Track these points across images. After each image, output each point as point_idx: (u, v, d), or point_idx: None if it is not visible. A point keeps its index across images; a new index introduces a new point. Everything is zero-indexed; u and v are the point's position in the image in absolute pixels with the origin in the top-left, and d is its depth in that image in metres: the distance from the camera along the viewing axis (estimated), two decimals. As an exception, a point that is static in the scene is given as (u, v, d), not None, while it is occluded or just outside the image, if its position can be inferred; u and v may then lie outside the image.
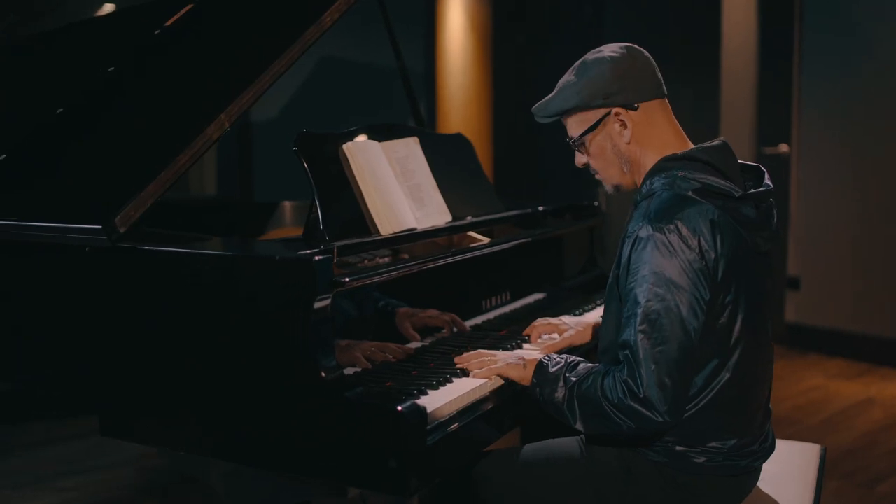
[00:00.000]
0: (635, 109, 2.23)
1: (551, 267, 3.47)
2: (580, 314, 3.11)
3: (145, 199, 2.38)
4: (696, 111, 6.54)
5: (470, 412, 2.22)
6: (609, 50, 2.26)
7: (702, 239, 2.05)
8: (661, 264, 2.04)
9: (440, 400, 2.17)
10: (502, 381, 2.35)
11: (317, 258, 2.08)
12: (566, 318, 2.78)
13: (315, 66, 5.76)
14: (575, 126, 2.31)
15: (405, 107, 3.85)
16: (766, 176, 2.27)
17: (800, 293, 6.50)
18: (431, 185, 2.89)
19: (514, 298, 3.15)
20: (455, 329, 2.73)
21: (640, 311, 2.05)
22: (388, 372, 2.37)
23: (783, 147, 6.50)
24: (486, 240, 2.94)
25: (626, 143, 2.25)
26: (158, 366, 2.32)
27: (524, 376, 2.29)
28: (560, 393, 2.17)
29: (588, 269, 3.67)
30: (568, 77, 2.30)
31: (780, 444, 2.60)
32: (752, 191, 2.18)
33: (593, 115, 2.27)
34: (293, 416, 2.11)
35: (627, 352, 2.06)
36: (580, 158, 2.36)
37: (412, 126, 3.24)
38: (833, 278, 6.33)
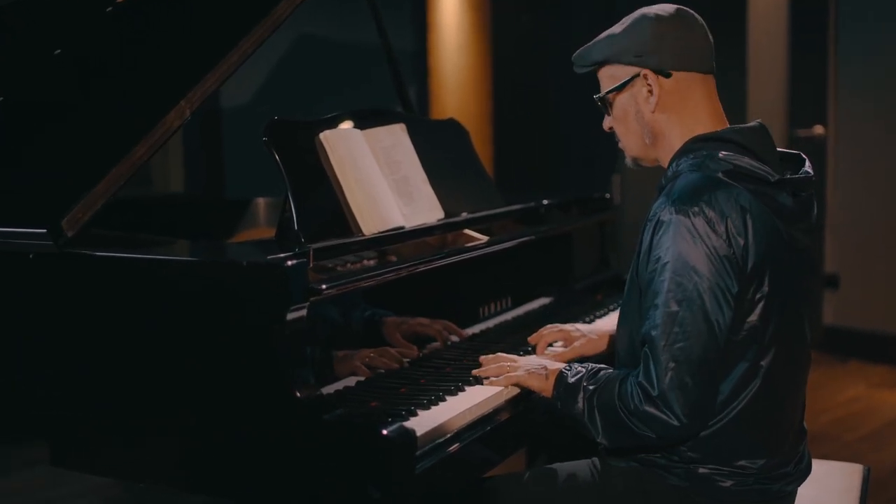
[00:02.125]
0: (667, 76, 2.23)
1: (558, 268, 3.45)
2: (591, 321, 3.09)
3: (96, 199, 2.36)
4: (720, 90, 6.52)
5: (471, 431, 2.21)
6: (659, 7, 2.27)
7: (730, 224, 2.05)
8: (684, 250, 2.04)
9: (434, 419, 2.15)
10: (517, 391, 2.36)
11: (290, 263, 2.06)
12: (579, 326, 2.77)
13: (291, 46, 5.74)
14: (605, 81, 2.33)
15: (392, 90, 3.83)
16: (808, 164, 2.26)
17: (839, 292, 6.48)
18: (421, 178, 2.87)
19: (517, 304, 3.13)
20: (449, 340, 2.71)
21: (659, 302, 2.05)
22: (374, 390, 2.35)
23: (818, 129, 6.48)
24: (484, 238, 2.93)
25: (651, 111, 2.25)
26: (115, 386, 2.30)
27: (545, 387, 2.29)
28: (580, 404, 2.17)
29: (600, 270, 3.66)
30: (611, 28, 2.31)
31: (817, 465, 2.57)
32: (789, 176, 2.16)
33: (623, 73, 2.27)
34: (266, 441, 2.09)
35: (646, 348, 2.07)
36: (606, 121, 2.38)
37: (399, 112, 3.22)
38: (876, 275, 6.31)
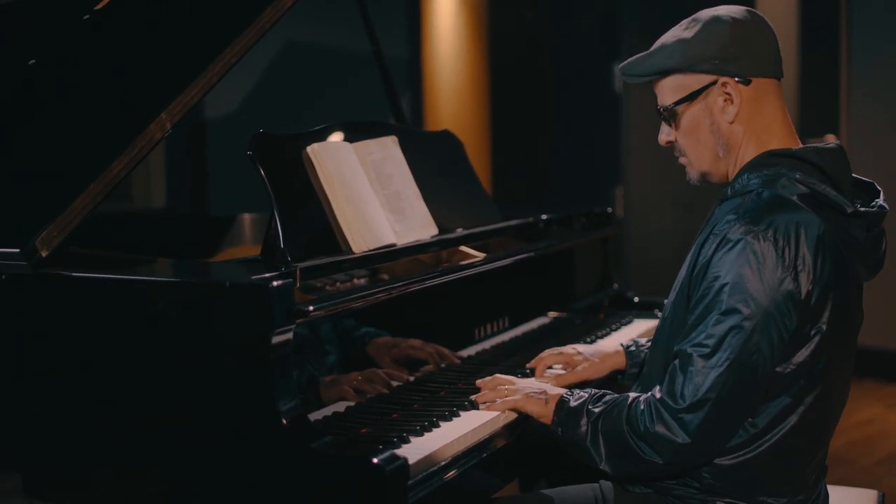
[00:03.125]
0: (747, 84, 2.17)
1: (558, 286, 3.45)
2: (592, 341, 3.09)
3: (72, 216, 2.35)
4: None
5: (466, 458, 2.20)
6: (728, 10, 2.21)
7: (801, 255, 2.02)
8: (747, 276, 2.01)
9: (427, 447, 2.14)
10: (514, 416, 2.35)
11: (275, 284, 2.06)
12: (580, 347, 2.75)
13: (277, 54, 5.74)
14: (669, 92, 2.25)
15: (384, 100, 3.83)
16: (882, 196, 2.22)
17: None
18: (414, 193, 2.86)
19: (514, 324, 3.13)
20: (442, 363, 2.71)
21: (708, 321, 2.03)
22: (364, 416, 2.34)
23: (830, 138, 6.47)
24: (481, 255, 2.92)
25: (729, 122, 2.19)
26: (92, 414, 2.29)
27: (544, 413, 2.27)
28: (583, 429, 2.16)
29: (602, 288, 3.66)
30: (675, 32, 2.24)
31: (832, 490, 2.56)
32: (864, 209, 2.13)
33: (695, 81, 2.20)
34: (252, 471, 2.08)
35: (676, 362, 2.05)
36: (666, 134, 2.30)
37: (391, 123, 3.22)
38: (892, 291, 6.30)
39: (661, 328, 2.29)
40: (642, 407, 2.07)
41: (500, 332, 3.06)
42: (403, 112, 3.85)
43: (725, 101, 2.18)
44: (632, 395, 2.15)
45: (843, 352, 2.14)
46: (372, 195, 2.70)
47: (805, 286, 2.02)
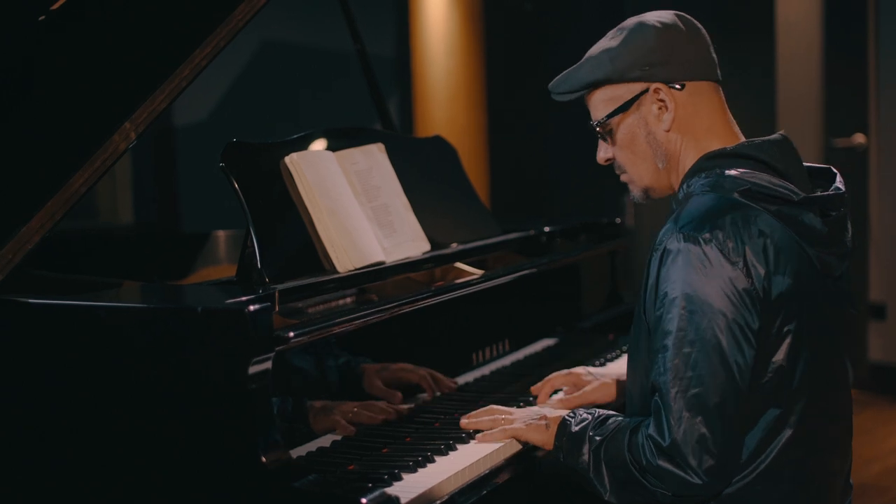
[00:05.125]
0: (680, 89, 2.23)
1: (563, 305, 3.45)
2: (602, 364, 3.09)
3: (29, 236, 2.35)
4: (746, 97, 6.53)
5: (464, 496, 2.19)
6: (655, 16, 2.27)
7: (748, 251, 2.05)
8: (696, 284, 2.04)
9: (421, 484, 2.14)
10: (517, 447, 2.35)
11: (251, 308, 2.05)
12: (591, 369, 2.77)
13: (252, 56, 5.75)
14: (601, 105, 2.31)
15: (369, 104, 3.83)
16: (839, 179, 2.26)
17: (886, 324, 6.47)
18: (403, 206, 2.87)
19: (516, 347, 3.13)
20: (437, 390, 2.70)
21: (669, 343, 2.05)
22: (352, 450, 2.34)
23: (858, 138, 6.48)
24: (478, 273, 2.92)
25: (665, 130, 2.25)
26: (54, 454, 2.28)
27: (546, 439, 2.29)
28: (585, 457, 2.17)
29: (611, 306, 3.66)
30: (601, 43, 2.30)
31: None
32: (815, 194, 2.17)
33: (626, 91, 2.27)
34: (228, 514, 2.08)
35: (657, 397, 2.07)
36: (604, 151, 2.36)
37: (377, 129, 3.22)
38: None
39: (629, 353, 2.33)
40: (641, 440, 2.08)
41: (500, 356, 3.05)
42: (391, 117, 3.85)
43: (660, 108, 2.24)
44: (633, 420, 2.16)
45: (828, 352, 2.17)
46: (357, 209, 2.70)
47: (760, 282, 2.05)
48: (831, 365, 2.18)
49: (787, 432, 2.10)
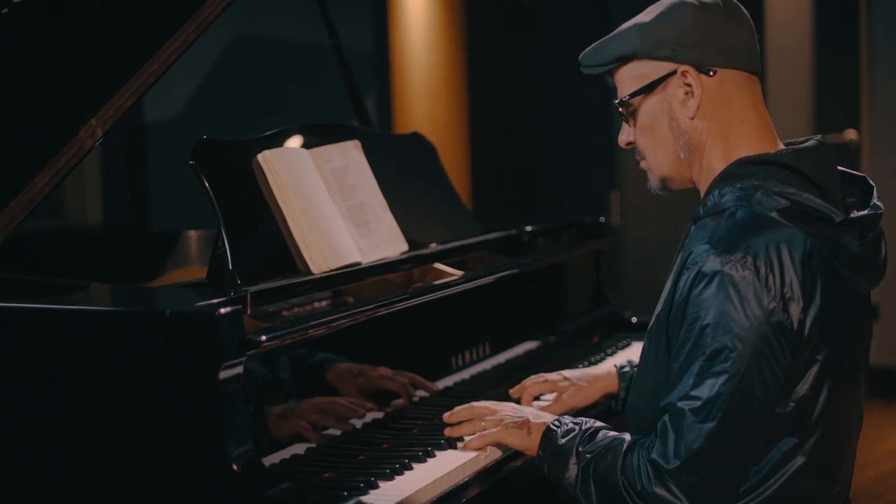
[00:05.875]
0: (711, 75, 2.15)
1: (545, 306, 3.46)
2: (587, 367, 3.09)
3: (-10, 237, 2.34)
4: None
5: (448, 502, 2.20)
6: None
7: (787, 279, 2.00)
8: (729, 313, 1.99)
9: (398, 492, 2.14)
10: (499, 454, 2.35)
11: (222, 311, 2.04)
12: (565, 373, 2.75)
13: (223, 50, 5.75)
14: (628, 82, 2.24)
15: (345, 99, 3.83)
16: (875, 194, 2.19)
17: (879, 326, 6.49)
18: (380, 205, 2.87)
19: (497, 351, 3.14)
20: (415, 395, 2.70)
21: (693, 370, 2.01)
22: (327, 457, 2.33)
23: (850, 134, 6.51)
24: (458, 273, 2.93)
25: (690, 117, 2.17)
26: (17, 463, 2.27)
27: (528, 445, 2.27)
28: (571, 472, 2.15)
29: (595, 307, 3.67)
30: (637, 18, 2.23)
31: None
32: (856, 215, 2.10)
33: (654, 71, 2.19)
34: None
35: (666, 418, 2.03)
36: (626, 133, 2.29)
37: (353, 126, 3.22)
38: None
39: (640, 362, 2.29)
40: (637, 462, 2.05)
41: (480, 359, 3.06)
42: (368, 113, 3.85)
43: (686, 93, 2.17)
44: (627, 437, 2.14)
45: (848, 374, 2.13)
46: (332, 207, 2.70)
47: (796, 315, 2.00)
48: (851, 390, 2.15)
49: (800, 460, 2.07)
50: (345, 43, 3.79)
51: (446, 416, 2.43)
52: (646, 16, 2.20)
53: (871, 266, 2.13)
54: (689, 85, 2.16)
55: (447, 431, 2.41)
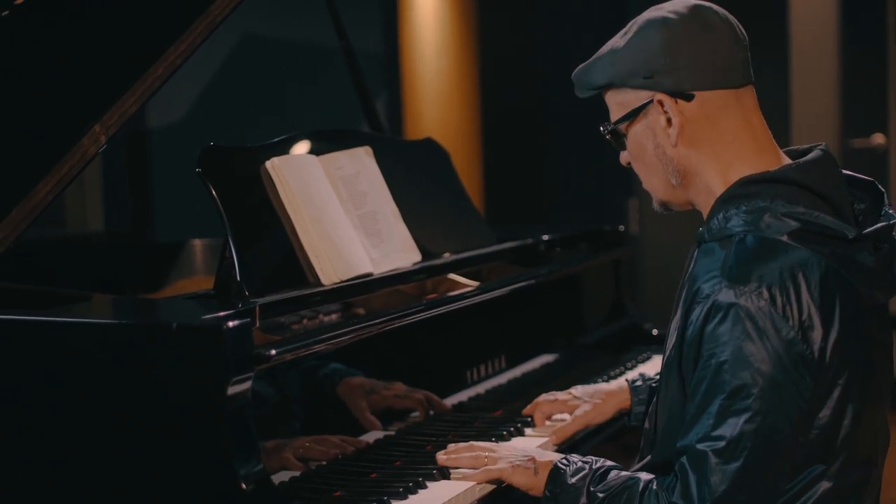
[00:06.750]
0: (688, 100, 2.11)
1: (563, 319, 3.46)
2: (606, 381, 3.08)
3: (-10, 247, 2.35)
4: (757, 95, 6.52)
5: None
6: (670, 7, 2.15)
7: (805, 306, 1.97)
8: (747, 349, 1.95)
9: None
10: (493, 487, 2.31)
11: (230, 324, 2.04)
12: (576, 390, 2.75)
13: (231, 53, 5.75)
14: (614, 108, 2.21)
15: (356, 104, 3.83)
16: (886, 201, 2.15)
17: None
18: (392, 213, 2.87)
19: (513, 364, 3.13)
20: (431, 411, 2.70)
21: (712, 410, 1.98)
22: (337, 475, 2.33)
23: (878, 138, 6.50)
24: (473, 284, 2.93)
25: (673, 145, 2.13)
26: (21, 479, 2.26)
27: (534, 485, 2.24)
28: None
29: (614, 318, 3.66)
30: (613, 40, 2.20)
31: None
32: (869, 229, 2.06)
33: (633, 98, 2.16)
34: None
35: (685, 460, 2.01)
36: (623, 155, 2.27)
37: (364, 131, 3.22)
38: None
39: (659, 391, 2.25)
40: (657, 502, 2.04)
41: (496, 373, 3.05)
42: (379, 118, 3.84)
43: (667, 121, 2.13)
44: (642, 478, 2.11)
45: (871, 394, 2.10)
46: (343, 217, 2.70)
47: (816, 343, 1.97)
48: (874, 407, 2.11)
49: (825, 485, 2.04)
50: (355, 46, 3.79)
51: (441, 458, 2.36)
52: (619, 39, 2.17)
53: (888, 278, 2.10)
54: (667, 113, 2.12)
55: (442, 461, 2.35)
